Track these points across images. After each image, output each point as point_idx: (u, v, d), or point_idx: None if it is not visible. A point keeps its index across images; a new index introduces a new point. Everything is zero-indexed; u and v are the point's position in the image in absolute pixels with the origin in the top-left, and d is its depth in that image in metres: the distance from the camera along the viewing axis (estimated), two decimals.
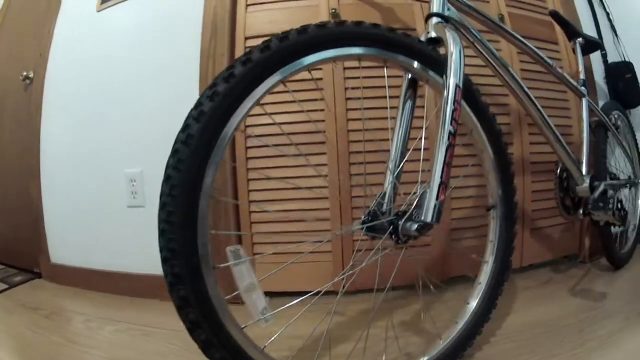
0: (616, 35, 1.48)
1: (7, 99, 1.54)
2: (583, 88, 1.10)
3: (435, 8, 0.69)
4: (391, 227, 0.60)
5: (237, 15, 1.15)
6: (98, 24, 1.30)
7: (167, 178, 0.47)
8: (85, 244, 1.23)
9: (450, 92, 0.59)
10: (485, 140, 0.76)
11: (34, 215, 1.30)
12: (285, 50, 0.52)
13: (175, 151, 0.47)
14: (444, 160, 0.57)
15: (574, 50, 1.19)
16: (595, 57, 1.39)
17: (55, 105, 1.33)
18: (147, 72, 1.20)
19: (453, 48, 0.61)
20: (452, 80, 0.60)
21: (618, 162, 1.34)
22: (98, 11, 1.33)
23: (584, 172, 1.01)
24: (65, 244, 1.27)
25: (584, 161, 1.04)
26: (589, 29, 1.40)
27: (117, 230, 1.18)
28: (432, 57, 0.66)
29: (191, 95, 1.10)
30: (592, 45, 1.23)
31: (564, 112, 1.29)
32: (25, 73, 1.40)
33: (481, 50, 0.80)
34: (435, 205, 0.55)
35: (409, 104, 0.70)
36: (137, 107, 1.19)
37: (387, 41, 0.61)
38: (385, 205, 0.65)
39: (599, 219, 0.99)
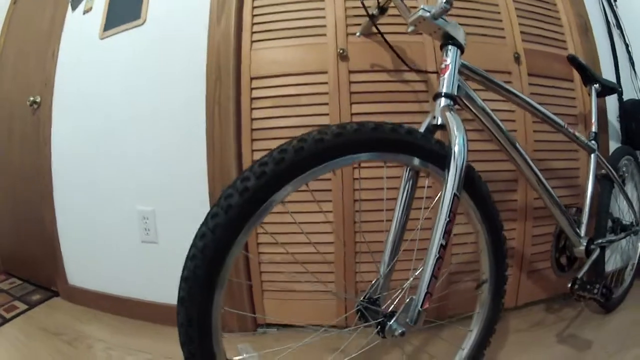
0: (634, 69, 1.43)
1: (15, 121, 1.56)
2: (593, 142, 1.09)
3: (444, 88, 0.70)
4: (379, 327, 0.64)
5: (242, 53, 1.14)
6: (102, 52, 1.30)
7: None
8: (101, 271, 1.30)
9: (446, 202, 0.61)
10: (481, 224, 0.78)
11: (49, 237, 1.36)
12: (290, 167, 0.53)
13: (192, 256, 0.52)
14: (432, 272, 0.60)
15: (589, 94, 1.17)
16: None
17: (64, 133, 1.36)
18: (151, 110, 1.21)
19: (456, 139, 0.63)
20: (449, 188, 0.62)
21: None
22: (101, 38, 1.32)
23: (582, 233, 1.04)
24: (82, 268, 1.34)
25: (584, 222, 1.06)
26: (606, 61, 1.37)
27: (132, 263, 1.24)
28: (433, 151, 0.66)
29: (197, 138, 1.14)
30: (609, 89, 1.21)
31: (572, 154, 1.28)
32: (32, 98, 1.42)
33: (487, 124, 0.80)
34: (419, 313, 0.60)
35: (408, 194, 0.72)
36: (144, 145, 1.21)
37: (388, 144, 0.62)
38: (378, 292, 0.71)
39: (584, 296, 1.02)
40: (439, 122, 0.68)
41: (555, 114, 1.20)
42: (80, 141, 1.32)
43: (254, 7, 1.17)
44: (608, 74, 1.37)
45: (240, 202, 0.51)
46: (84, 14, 1.44)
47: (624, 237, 1.24)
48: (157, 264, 1.20)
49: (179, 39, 1.21)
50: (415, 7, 0.73)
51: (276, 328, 1.19)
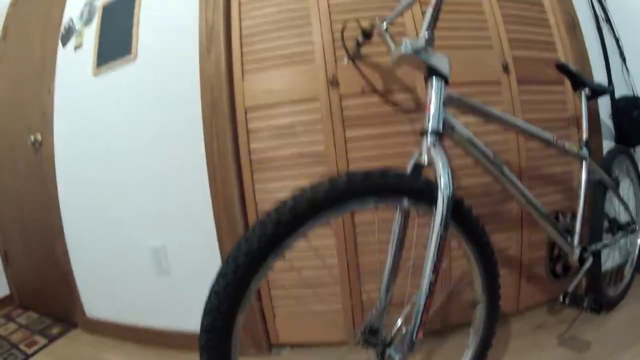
0: (625, 64, 1.44)
1: (18, 159, 1.61)
2: (585, 150, 1.11)
3: (429, 125, 0.71)
4: (379, 356, 0.70)
5: (235, 84, 1.17)
6: (97, 89, 1.34)
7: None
8: (118, 302, 1.36)
9: (434, 244, 0.64)
10: (472, 251, 0.81)
11: (63, 271, 1.42)
12: (292, 218, 0.57)
13: (209, 311, 0.56)
14: (424, 306, 0.64)
15: (579, 100, 1.18)
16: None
17: (68, 169, 1.41)
18: (151, 145, 1.25)
19: (441, 177, 0.65)
20: (436, 231, 0.65)
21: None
22: (95, 75, 1.36)
23: (575, 242, 1.07)
24: (98, 300, 1.40)
25: (577, 230, 1.09)
26: (596, 58, 1.37)
27: (147, 294, 1.30)
28: (421, 190, 0.69)
29: (199, 168, 1.18)
30: (599, 92, 1.21)
31: (566, 159, 1.28)
32: (33, 137, 1.47)
33: (474, 154, 0.82)
34: (413, 342, 0.65)
35: (400, 232, 0.76)
36: (145, 176, 1.26)
37: (378, 191, 0.65)
38: (377, 323, 0.75)
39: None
40: (425, 161, 0.71)
41: (547, 119, 1.25)
42: (85, 176, 1.37)
43: (242, 37, 1.19)
44: (599, 71, 1.37)
45: (244, 265, 0.55)
46: (75, 50, 1.47)
47: (620, 238, 1.27)
48: (171, 294, 1.26)
49: (171, 73, 1.24)
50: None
51: (289, 347, 1.25)
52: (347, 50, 1.05)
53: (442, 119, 0.73)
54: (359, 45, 1.06)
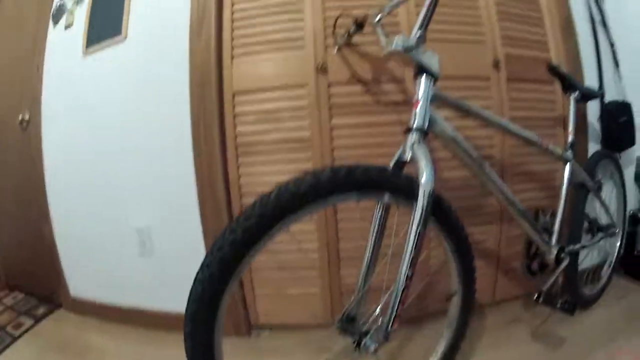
0: (618, 69, 1.44)
1: (6, 136, 1.59)
2: (569, 152, 1.12)
3: (415, 123, 0.73)
4: (355, 344, 0.72)
5: (224, 68, 1.17)
6: (87, 69, 1.33)
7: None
8: (102, 282, 1.37)
9: (412, 238, 0.66)
10: (450, 246, 0.83)
11: (48, 250, 1.43)
12: (275, 212, 0.59)
13: (194, 299, 0.58)
14: (400, 298, 0.67)
15: (568, 103, 1.19)
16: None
17: (55, 148, 1.40)
18: (139, 125, 1.25)
19: (424, 174, 0.67)
20: (415, 225, 0.66)
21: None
22: (85, 55, 1.35)
23: (553, 241, 1.09)
24: (83, 280, 1.41)
25: (556, 229, 1.11)
26: (589, 61, 1.38)
27: (130, 274, 1.31)
28: (402, 186, 0.71)
29: (185, 150, 1.18)
30: (589, 96, 1.23)
31: (549, 157, 1.31)
32: (21, 116, 1.46)
33: (457, 152, 0.84)
34: (388, 333, 0.67)
35: (379, 226, 0.78)
36: (134, 159, 1.26)
37: (361, 185, 0.66)
38: (355, 311, 0.78)
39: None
40: (408, 157, 0.72)
41: (534, 117, 1.26)
42: (72, 156, 1.37)
43: (233, 20, 1.19)
44: (591, 74, 1.38)
45: (228, 256, 0.57)
46: (65, 29, 1.45)
47: (599, 240, 1.29)
48: (153, 275, 1.28)
49: (161, 54, 1.23)
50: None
51: (269, 329, 1.28)
52: (336, 41, 1.05)
53: (428, 117, 0.74)
54: (350, 35, 1.06)
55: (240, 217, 0.58)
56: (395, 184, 0.70)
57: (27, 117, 1.45)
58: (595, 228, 1.33)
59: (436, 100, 0.78)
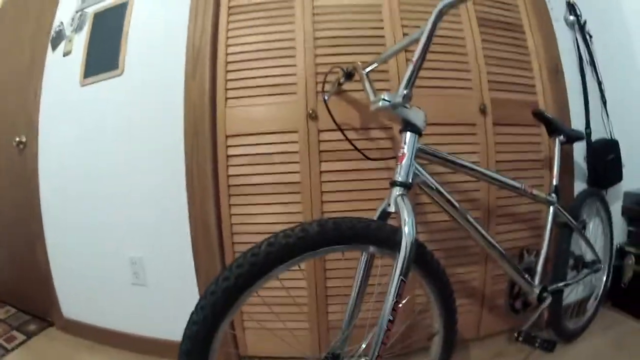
0: (606, 108, 1.48)
1: (2, 155, 1.63)
2: (553, 196, 1.16)
3: (400, 177, 0.76)
4: None
5: (217, 110, 1.20)
6: (83, 99, 1.37)
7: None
8: (95, 307, 1.41)
9: (394, 285, 0.69)
10: (433, 291, 0.87)
11: (43, 273, 1.47)
12: (266, 262, 0.63)
13: (187, 337, 0.62)
14: (382, 340, 0.69)
15: (553, 145, 1.22)
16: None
17: (51, 175, 1.44)
18: (134, 161, 1.29)
19: (406, 226, 0.70)
20: (397, 274, 0.69)
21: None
22: (82, 85, 1.39)
23: (536, 282, 1.13)
24: (76, 303, 1.45)
25: (539, 269, 1.15)
26: (576, 101, 1.42)
27: (123, 302, 1.35)
28: (386, 238, 0.73)
29: (179, 187, 1.22)
30: (574, 138, 1.26)
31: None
32: (18, 138, 1.50)
33: (441, 204, 0.88)
34: None
35: (364, 273, 0.82)
36: (129, 192, 1.30)
37: (347, 239, 0.69)
38: (339, 349, 0.81)
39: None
40: (392, 210, 0.76)
41: (520, 159, 1.30)
42: (67, 182, 1.41)
43: (227, 63, 1.23)
44: (578, 112, 1.42)
45: (221, 300, 0.61)
46: (64, 55, 1.49)
47: (584, 277, 1.32)
48: (146, 304, 1.32)
49: (157, 92, 1.27)
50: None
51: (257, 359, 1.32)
52: (327, 91, 1.08)
53: (412, 172, 0.78)
54: (340, 84, 1.10)
55: (233, 264, 0.63)
56: (380, 236, 0.73)
57: (24, 139, 1.49)
58: (581, 264, 1.36)
59: (421, 153, 0.82)
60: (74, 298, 1.46)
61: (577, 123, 1.41)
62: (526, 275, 1.10)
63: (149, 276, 1.31)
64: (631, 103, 1.62)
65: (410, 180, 0.77)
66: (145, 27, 1.33)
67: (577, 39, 1.46)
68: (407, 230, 0.71)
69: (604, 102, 1.48)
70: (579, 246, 1.38)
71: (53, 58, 1.51)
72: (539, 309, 1.15)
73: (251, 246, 0.64)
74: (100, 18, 1.46)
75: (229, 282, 0.61)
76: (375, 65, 1.00)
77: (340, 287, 1.17)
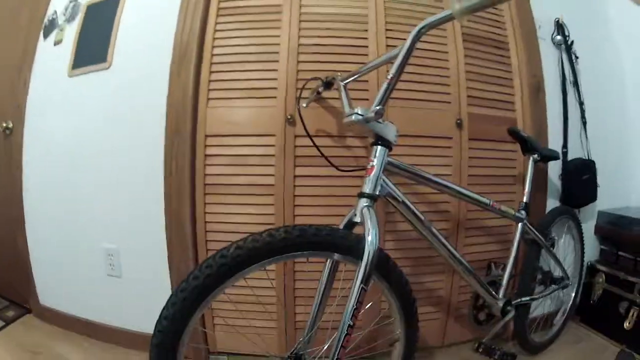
0: (585, 128, 1.52)
1: None
2: (522, 212, 1.20)
3: (367, 189, 0.80)
4: None
5: (199, 109, 1.24)
6: (70, 90, 1.40)
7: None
8: (71, 296, 1.45)
9: (355, 292, 0.73)
10: (394, 299, 0.90)
11: (22, 258, 1.51)
12: (233, 264, 0.68)
13: (159, 330, 0.66)
14: (341, 344, 0.73)
15: (527, 164, 1.25)
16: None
17: (35, 162, 1.47)
18: (115, 153, 1.32)
19: (369, 235, 0.74)
20: (359, 281, 0.73)
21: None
22: (70, 76, 1.42)
23: (500, 295, 1.17)
24: (53, 290, 1.49)
25: (504, 284, 1.19)
26: (556, 120, 1.45)
27: (98, 293, 1.39)
28: (350, 246, 0.78)
29: (157, 183, 1.26)
30: (549, 157, 1.30)
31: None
32: (4, 124, 1.53)
33: (406, 216, 0.92)
34: None
35: (328, 280, 0.87)
36: (108, 184, 1.34)
37: (312, 245, 0.74)
38: (302, 350, 0.86)
39: None
40: (358, 220, 0.80)
41: (494, 175, 1.34)
42: (50, 170, 1.44)
43: (212, 63, 1.26)
44: (557, 133, 1.46)
45: (190, 297, 0.66)
46: (54, 44, 1.53)
47: (551, 292, 1.37)
48: (120, 296, 1.37)
49: (142, 87, 1.30)
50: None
51: (227, 356, 1.36)
52: (303, 104, 1.13)
53: (380, 184, 0.82)
54: (319, 93, 1.13)
55: (203, 264, 0.68)
56: (344, 245, 0.77)
57: (10, 125, 1.52)
58: (549, 280, 1.41)
59: (390, 166, 0.86)
60: (51, 286, 1.50)
61: (555, 141, 1.45)
62: (490, 289, 1.14)
63: (124, 268, 1.35)
64: (611, 125, 1.66)
65: (377, 193, 0.81)
66: (135, 22, 1.36)
67: (562, 59, 1.50)
68: (370, 239, 0.75)
69: (584, 123, 1.52)
70: (547, 262, 1.42)
71: (44, 46, 1.54)
72: (502, 322, 1.19)
73: (222, 247, 0.69)
74: (93, 10, 1.49)
75: (198, 281, 0.66)
76: (353, 78, 1.04)
77: (308, 289, 1.22)
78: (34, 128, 1.48)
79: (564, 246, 1.51)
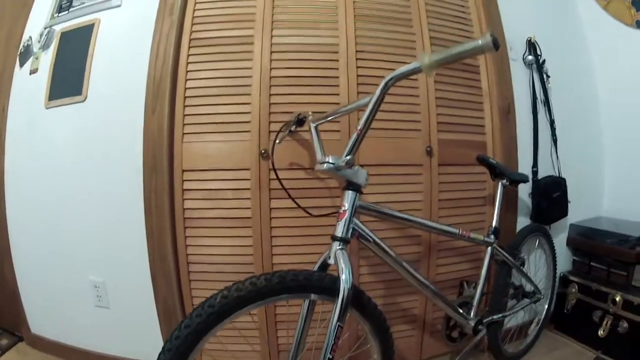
0: (556, 146, 1.59)
1: None
2: (491, 237, 1.28)
3: (339, 233, 0.87)
4: None
5: (175, 145, 1.30)
6: (47, 121, 1.45)
7: None
8: (61, 325, 1.52)
9: (332, 330, 0.80)
10: (370, 330, 0.97)
11: (11, 289, 1.57)
12: (221, 310, 0.75)
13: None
14: None
15: (496, 188, 1.32)
16: (526, 172, 1.52)
17: (17, 189, 1.52)
18: (96, 187, 1.38)
19: (343, 275, 0.82)
20: (335, 319, 0.80)
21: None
22: (47, 108, 1.46)
23: (472, 314, 1.26)
24: (43, 321, 1.56)
25: (474, 304, 1.27)
26: (527, 135, 1.52)
27: (87, 322, 1.46)
28: (326, 287, 0.85)
29: (138, 217, 1.32)
30: (518, 181, 1.37)
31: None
32: None
33: (378, 254, 0.99)
34: None
35: (305, 318, 0.94)
36: (91, 219, 1.39)
37: (291, 289, 0.81)
38: None
39: None
40: (332, 262, 0.87)
41: (464, 197, 1.41)
42: (33, 205, 1.49)
43: (185, 97, 1.31)
44: (528, 151, 1.53)
45: (184, 344, 0.73)
46: (30, 73, 1.56)
47: (524, 307, 1.46)
48: (109, 326, 1.44)
49: (118, 122, 1.35)
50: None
51: None
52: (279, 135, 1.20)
53: (351, 228, 0.89)
54: (291, 131, 1.19)
55: (193, 314, 0.75)
56: (320, 286, 0.85)
57: None
58: (521, 294, 1.50)
59: (361, 209, 0.93)
60: (41, 316, 1.57)
61: (526, 160, 1.52)
62: (461, 310, 1.23)
63: (111, 299, 1.42)
64: (584, 138, 1.74)
65: (349, 236, 0.88)
66: (109, 54, 1.40)
67: (533, 78, 1.56)
68: (344, 277, 0.82)
69: (555, 140, 1.59)
70: (519, 278, 1.51)
71: (20, 74, 1.58)
72: (474, 340, 1.28)
73: (208, 296, 0.77)
74: (67, 38, 1.52)
75: (190, 329, 0.74)
76: (324, 120, 1.10)
77: (289, 315, 1.29)
78: (15, 158, 1.53)
79: (537, 259, 1.60)
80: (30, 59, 1.59)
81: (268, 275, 0.79)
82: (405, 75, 0.81)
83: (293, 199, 1.17)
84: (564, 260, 1.72)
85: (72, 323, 1.50)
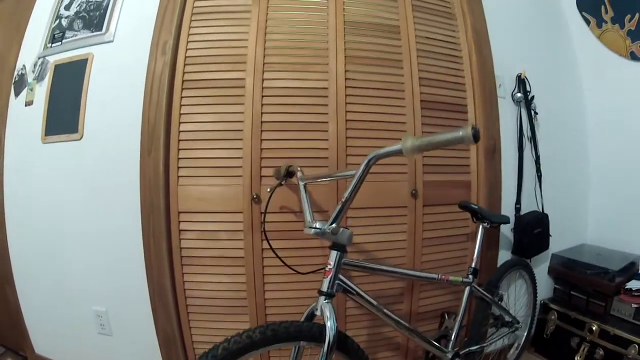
0: (540, 182, 1.69)
1: None
2: (470, 277, 1.39)
3: (325, 288, 1.00)
4: None
5: (170, 187, 1.40)
6: (44, 156, 1.55)
7: None
8: (65, 349, 1.65)
9: None
10: None
11: (14, 311, 1.71)
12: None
13: None
14: None
15: (477, 231, 1.43)
16: (509, 209, 1.64)
17: (17, 224, 1.63)
18: (97, 224, 1.49)
19: (328, 325, 0.94)
20: None
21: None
22: (43, 142, 1.55)
23: (450, 347, 1.40)
24: (47, 343, 1.69)
25: (453, 337, 1.41)
26: (511, 171, 1.62)
27: (89, 347, 1.60)
28: (313, 335, 0.98)
29: (138, 252, 1.44)
30: (500, 222, 1.48)
31: (458, 267, 1.57)
32: None
33: (363, 304, 1.12)
34: None
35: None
36: (93, 256, 1.51)
37: (282, 339, 0.94)
38: None
39: None
40: (318, 313, 1.00)
41: (447, 235, 1.53)
42: (34, 236, 1.60)
43: (180, 140, 1.41)
44: (512, 187, 1.64)
45: None
46: (26, 105, 1.65)
47: (500, 338, 1.60)
48: (112, 352, 1.58)
49: (116, 160, 1.45)
50: None
51: None
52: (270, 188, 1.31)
53: (336, 284, 1.02)
54: (281, 184, 1.30)
55: None
56: (309, 334, 0.98)
57: None
58: (500, 323, 1.64)
59: (346, 266, 1.06)
60: (45, 339, 1.70)
61: (510, 196, 1.63)
62: (438, 344, 1.36)
63: (114, 327, 1.56)
64: (570, 171, 1.84)
65: (334, 291, 1.01)
66: (103, 91, 1.49)
67: (520, 115, 1.65)
68: (330, 325, 0.95)
69: (539, 177, 1.69)
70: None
71: (16, 106, 1.67)
72: None
73: (210, 347, 0.88)
74: (61, 71, 1.60)
75: None
76: (312, 181, 1.20)
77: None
78: (14, 191, 1.63)
79: (517, 289, 1.73)
80: (25, 90, 1.67)
81: (262, 328, 0.92)
82: (387, 155, 0.90)
83: (281, 259, 1.26)
84: (546, 287, 1.85)
85: (75, 346, 1.64)
